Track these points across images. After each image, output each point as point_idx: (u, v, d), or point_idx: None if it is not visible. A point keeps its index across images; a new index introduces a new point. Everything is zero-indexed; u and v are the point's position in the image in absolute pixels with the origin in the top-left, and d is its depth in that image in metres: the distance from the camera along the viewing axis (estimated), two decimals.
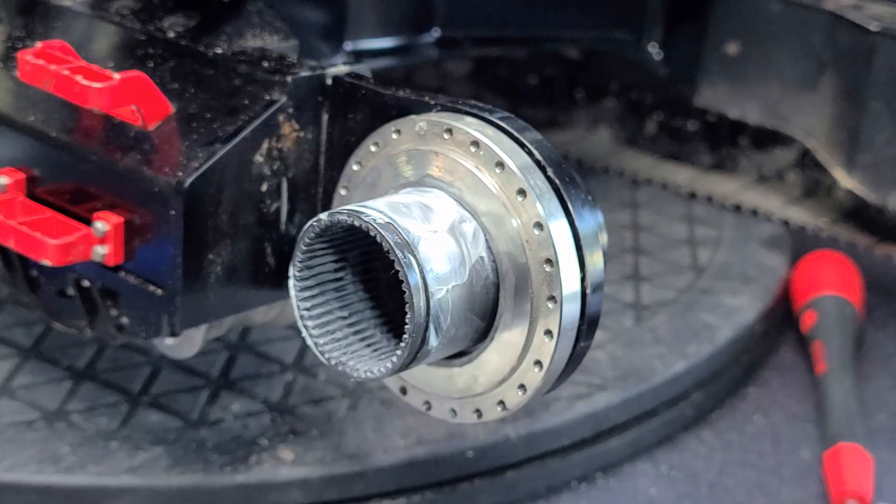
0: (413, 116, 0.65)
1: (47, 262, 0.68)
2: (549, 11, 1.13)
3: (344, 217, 0.60)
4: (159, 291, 0.69)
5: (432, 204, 0.62)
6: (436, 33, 1.03)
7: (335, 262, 0.65)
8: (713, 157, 1.31)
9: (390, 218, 0.60)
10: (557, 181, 0.61)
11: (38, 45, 0.72)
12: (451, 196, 0.63)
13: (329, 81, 0.70)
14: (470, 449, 0.86)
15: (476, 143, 0.62)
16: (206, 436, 0.84)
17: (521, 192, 0.60)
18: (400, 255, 0.59)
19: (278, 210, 0.71)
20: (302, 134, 0.70)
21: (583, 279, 0.61)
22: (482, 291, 0.62)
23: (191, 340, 0.75)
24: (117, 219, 0.69)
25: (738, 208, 1.25)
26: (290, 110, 0.70)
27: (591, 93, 1.36)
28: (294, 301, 0.64)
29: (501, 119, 0.64)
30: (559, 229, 0.60)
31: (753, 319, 1.06)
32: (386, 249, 0.59)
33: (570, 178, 0.62)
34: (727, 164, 1.31)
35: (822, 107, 1.12)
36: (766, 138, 1.24)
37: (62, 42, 0.74)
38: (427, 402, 0.67)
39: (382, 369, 0.61)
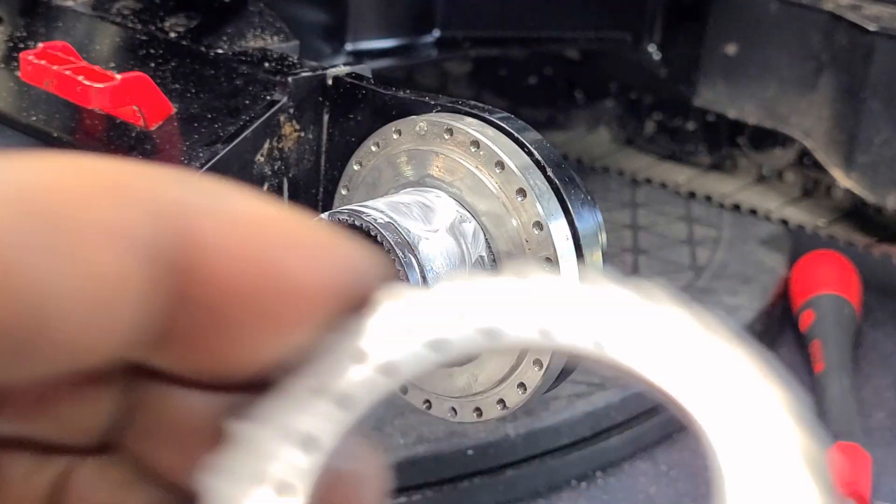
0: (413, 117, 0.66)
1: None
2: (548, 12, 1.13)
3: (344, 217, 0.61)
4: None
5: (432, 204, 0.62)
6: (436, 34, 1.03)
7: None
8: (712, 157, 1.31)
9: (391, 217, 0.60)
10: (557, 181, 0.62)
11: (40, 45, 0.73)
12: (452, 196, 0.63)
13: (330, 82, 0.71)
14: (470, 447, 0.86)
15: (476, 144, 0.62)
16: None
17: (521, 191, 0.61)
18: (400, 254, 0.59)
19: None
20: (303, 134, 0.70)
21: None
22: None
23: None
24: None
25: (737, 208, 1.25)
26: (291, 110, 0.70)
27: (591, 93, 1.37)
28: None
29: (501, 119, 0.64)
30: (558, 229, 0.60)
31: (752, 319, 1.07)
32: (386, 249, 0.59)
33: (570, 178, 0.62)
34: (726, 164, 1.31)
35: (820, 107, 1.13)
36: (765, 138, 1.25)
37: (64, 42, 0.74)
38: (427, 401, 0.68)
39: None
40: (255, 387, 0.26)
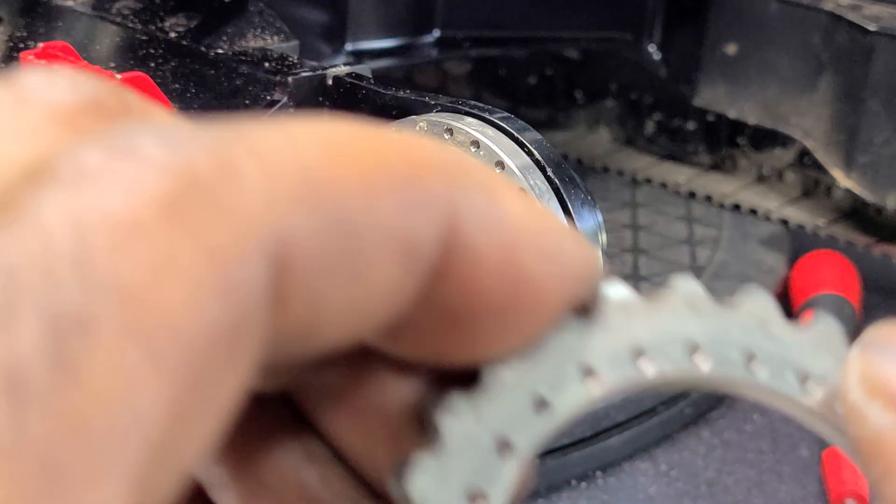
0: (413, 117, 0.66)
1: None
2: (548, 12, 1.14)
3: None
4: None
5: None
6: (436, 34, 1.03)
7: None
8: (712, 157, 1.31)
9: None
10: (557, 181, 0.62)
11: (40, 45, 0.73)
12: None
13: (330, 82, 0.71)
14: None
15: (476, 143, 0.62)
16: None
17: (521, 191, 0.61)
18: None
19: None
20: None
21: None
22: None
23: None
24: None
25: (737, 208, 1.25)
26: (292, 110, 0.70)
27: (591, 93, 1.37)
28: None
29: (501, 119, 0.64)
30: None
31: None
32: None
33: (570, 178, 0.62)
34: (726, 164, 1.31)
35: (820, 107, 1.13)
36: (765, 138, 1.25)
37: (64, 42, 0.74)
38: None
39: None
40: (459, 378, 0.25)
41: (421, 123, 0.64)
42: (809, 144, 1.15)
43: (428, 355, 0.25)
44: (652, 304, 0.25)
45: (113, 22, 0.80)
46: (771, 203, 1.25)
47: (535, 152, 0.62)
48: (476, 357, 0.25)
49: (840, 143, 1.10)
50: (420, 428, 0.25)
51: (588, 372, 0.25)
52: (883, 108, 1.06)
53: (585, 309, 0.25)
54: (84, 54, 0.73)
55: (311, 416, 0.27)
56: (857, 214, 1.21)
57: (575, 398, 0.25)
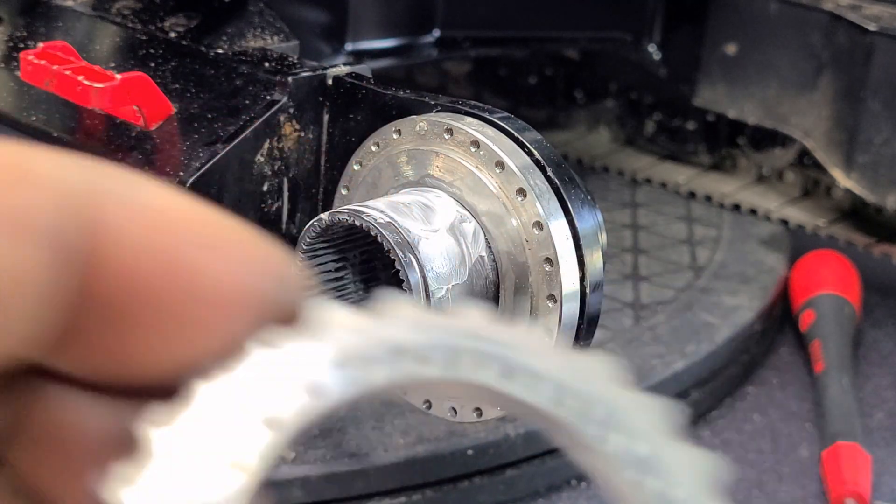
0: (413, 117, 0.66)
1: None
2: (548, 12, 1.14)
3: (345, 216, 0.61)
4: None
5: (433, 203, 0.62)
6: (436, 34, 1.03)
7: (336, 261, 0.65)
8: (712, 157, 1.31)
9: (391, 217, 0.60)
10: (557, 181, 0.62)
11: (40, 45, 0.73)
12: (452, 196, 0.63)
13: (330, 82, 0.71)
14: (470, 447, 0.86)
15: (476, 143, 0.62)
16: None
17: (521, 191, 0.61)
18: (400, 254, 0.59)
19: (279, 210, 0.71)
20: (303, 134, 0.71)
21: (582, 278, 0.61)
22: (482, 290, 0.62)
23: None
24: None
25: (737, 208, 1.25)
26: (291, 110, 0.70)
27: (591, 93, 1.37)
28: None
29: (501, 119, 0.64)
30: (559, 229, 0.61)
31: (752, 319, 1.07)
32: (386, 249, 0.59)
33: (570, 178, 0.62)
34: (726, 164, 1.31)
35: (820, 106, 1.13)
36: (765, 138, 1.25)
37: (63, 42, 0.74)
38: (427, 401, 0.68)
39: None
40: (160, 394, 0.24)
41: (421, 123, 0.64)
42: (809, 144, 1.15)
43: (106, 369, 0.23)
44: (359, 316, 0.25)
45: (113, 22, 0.80)
46: (771, 203, 1.25)
47: (535, 152, 0.62)
48: (160, 368, 0.23)
49: (840, 143, 1.10)
50: (136, 458, 0.23)
51: (311, 387, 0.24)
52: (883, 108, 1.06)
53: (293, 321, 0.24)
54: (84, 54, 0.73)
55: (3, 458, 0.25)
56: (857, 214, 1.21)
57: (296, 411, 0.24)
